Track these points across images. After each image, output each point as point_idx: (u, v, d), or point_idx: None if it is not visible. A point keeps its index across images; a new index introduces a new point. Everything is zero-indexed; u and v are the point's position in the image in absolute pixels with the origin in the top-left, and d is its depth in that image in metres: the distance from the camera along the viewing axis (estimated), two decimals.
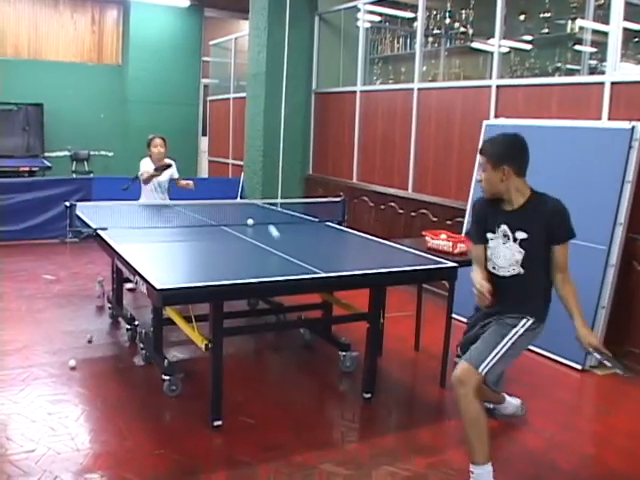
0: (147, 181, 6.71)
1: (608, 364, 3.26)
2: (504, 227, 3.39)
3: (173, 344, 5.13)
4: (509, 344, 3.34)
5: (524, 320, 3.38)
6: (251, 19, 9.38)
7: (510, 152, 3.36)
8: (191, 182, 6.96)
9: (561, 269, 3.35)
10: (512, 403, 4.12)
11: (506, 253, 3.40)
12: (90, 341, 5.18)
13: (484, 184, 3.43)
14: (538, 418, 4.18)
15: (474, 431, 3.23)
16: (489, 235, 3.47)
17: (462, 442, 3.84)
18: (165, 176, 6.77)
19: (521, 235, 3.34)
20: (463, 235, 3.72)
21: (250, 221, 5.46)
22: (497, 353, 3.31)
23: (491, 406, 4.03)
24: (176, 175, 6.92)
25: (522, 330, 3.37)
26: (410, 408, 4.49)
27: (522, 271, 3.37)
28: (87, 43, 13.57)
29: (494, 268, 3.47)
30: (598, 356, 3.25)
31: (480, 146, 3.48)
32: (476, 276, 3.45)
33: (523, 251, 3.34)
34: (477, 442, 3.23)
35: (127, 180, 7.08)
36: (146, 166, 6.76)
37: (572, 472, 3.59)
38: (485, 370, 3.26)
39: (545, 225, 3.29)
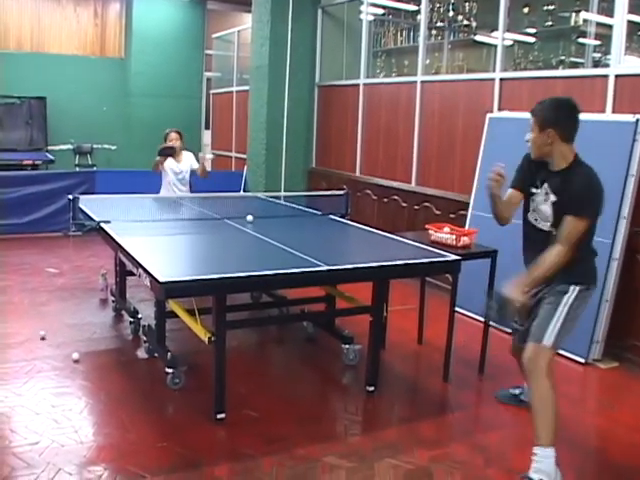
0: (156, 169, 6.84)
1: (493, 315, 3.51)
2: (546, 185, 3.52)
3: (176, 337, 5.13)
4: (565, 312, 3.43)
5: (572, 287, 3.46)
6: (254, 12, 9.36)
7: (557, 116, 3.42)
8: (202, 168, 6.99)
9: (559, 239, 3.39)
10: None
11: (545, 209, 3.52)
12: (43, 338, 5.09)
13: (531, 144, 3.52)
14: None
15: (542, 410, 3.24)
16: (533, 189, 3.58)
17: (465, 435, 3.86)
18: (185, 166, 6.90)
19: (553, 198, 3.48)
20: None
21: (250, 217, 5.36)
22: (556, 322, 3.40)
23: (517, 391, 4.19)
24: (195, 165, 7.02)
25: (573, 296, 3.46)
26: (413, 401, 4.49)
27: (554, 231, 3.46)
28: (90, 36, 13.55)
29: (536, 220, 3.59)
30: (494, 307, 3.44)
31: (533, 108, 3.53)
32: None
33: (553, 213, 3.47)
34: (543, 422, 3.23)
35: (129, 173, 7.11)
36: (166, 160, 6.90)
37: (576, 465, 3.58)
38: (550, 340, 3.35)
39: (568, 194, 3.37)
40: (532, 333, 3.45)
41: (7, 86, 12.18)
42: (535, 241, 3.59)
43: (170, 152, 6.81)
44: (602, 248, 4.97)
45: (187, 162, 6.97)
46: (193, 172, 6.97)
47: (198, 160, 7.08)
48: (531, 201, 3.62)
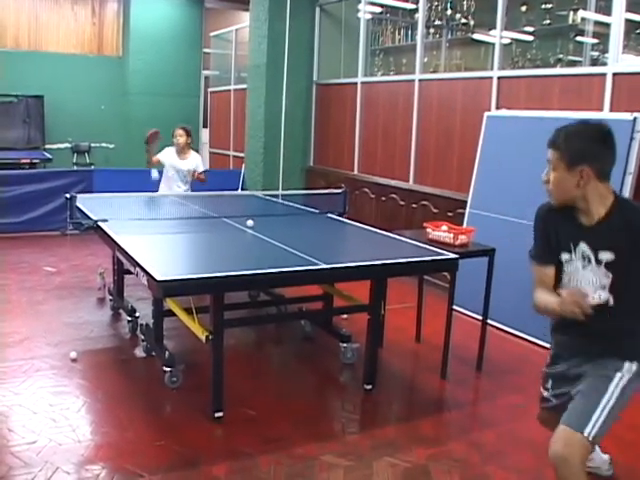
0: (149, 165, 6.90)
1: None
2: (583, 246, 2.65)
3: (174, 336, 5.13)
4: (614, 397, 2.62)
5: (627, 364, 2.64)
6: (252, 10, 9.35)
7: (593, 148, 2.58)
8: (202, 175, 6.98)
9: None
10: (600, 456, 3.44)
11: (589, 278, 2.66)
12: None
13: (552, 187, 2.65)
14: None
15: None
16: (564, 256, 2.71)
17: (463, 433, 3.86)
18: (186, 165, 6.88)
19: (606, 256, 2.60)
20: (529, 257, 2.81)
21: (250, 222, 5.17)
22: (603, 410, 2.60)
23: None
24: (200, 169, 6.99)
25: (627, 378, 2.64)
26: (411, 399, 4.49)
27: (612, 301, 2.63)
28: (87, 35, 13.53)
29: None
30: None
31: (551, 137, 2.70)
32: (552, 299, 2.65)
33: (611, 275, 2.61)
34: None
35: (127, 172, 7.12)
36: (164, 154, 6.94)
37: None
38: (592, 433, 2.53)
39: (632, 237, 2.55)
40: (570, 416, 2.62)
41: (5, 84, 12.17)
42: (588, 325, 2.58)
43: (152, 139, 6.82)
44: None
45: (191, 162, 6.92)
46: (193, 174, 6.95)
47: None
48: (561, 273, 2.75)
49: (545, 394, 2.99)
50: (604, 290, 2.64)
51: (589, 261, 2.65)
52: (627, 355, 2.67)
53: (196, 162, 6.97)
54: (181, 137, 6.86)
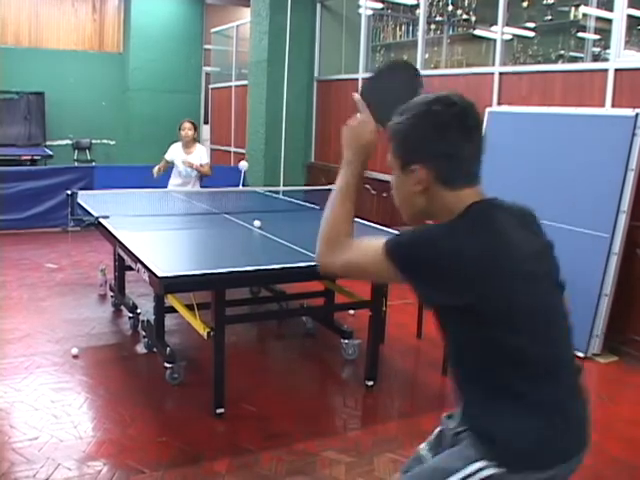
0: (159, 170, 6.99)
1: None
2: None
3: (175, 332, 5.13)
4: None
5: (477, 464, 1.70)
6: (252, 6, 9.33)
7: (429, 135, 1.74)
8: (204, 168, 7.05)
9: None
10: None
11: None
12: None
13: (394, 196, 1.96)
14: None
15: None
16: None
17: None
18: (193, 159, 6.94)
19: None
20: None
21: (257, 222, 5.05)
22: None
23: None
24: (205, 160, 7.05)
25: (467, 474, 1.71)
26: (412, 395, 4.49)
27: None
28: (88, 31, 13.52)
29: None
30: None
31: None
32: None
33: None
34: None
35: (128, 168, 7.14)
36: (171, 152, 7.04)
37: None
38: None
39: None
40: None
41: (5, 81, 12.16)
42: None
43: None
44: (601, 242, 5.00)
45: (197, 155, 6.98)
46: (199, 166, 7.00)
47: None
48: None
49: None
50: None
51: None
52: (484, 445, 1.70)
53: (201, 154, 7.04)
54: (189, 130, 6.95)
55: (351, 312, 5.50)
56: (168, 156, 7.02)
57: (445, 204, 1.75)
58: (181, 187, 6.90)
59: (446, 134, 1.71)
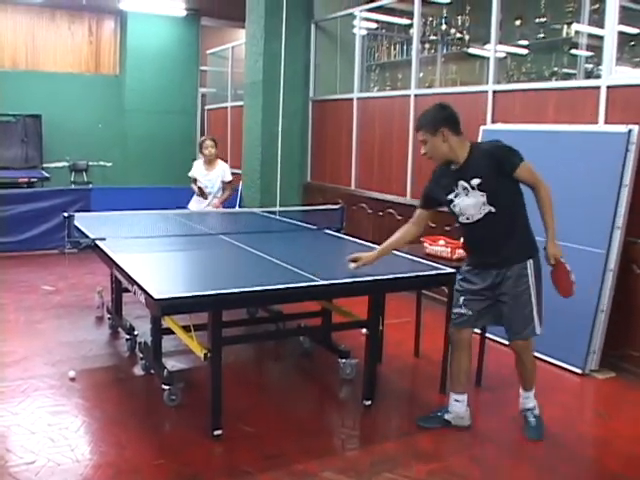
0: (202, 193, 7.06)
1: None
2: (461, 182, 3.77)
3: (172, 354, 5.12)
4: (534, 293, 3.79)
5: (528, 263, 3.78)
6: (247, 28, 9.40)
7: (442, 116, 3.80)
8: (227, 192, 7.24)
9: (532, 185, 3.75)
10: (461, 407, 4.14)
11: (471, 201, 3.76)
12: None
13: (430, 152, 3.83)
14: None
15: (534, 369, 4.05)
16: (451, 196, 3.84)
17: (463, 448, 3.86)
18: (213, 176, 7.08)
19: (476, 181, 3.71)
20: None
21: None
22: (535, 309, 3.80)
23: (439, 413, 4.16)
24: (228, 178, 7.15)
25: (533, 273, 3.78)
26: (410, 415, 4.46)
27: (493, 209, 3.73)
28: (84, 54, 13.58)
29: (467, 219, 3.83)
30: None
31: (415, 125, 3.94)
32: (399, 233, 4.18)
33: (484, 192, 3.71)
34: (534, 375, 4.04)
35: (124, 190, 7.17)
36: (196, 167, 7.17)
37: (573, 476, 3.58)
38: (540, 329, 3.85)
39: (491, 165, 3.69)
40: (517, 330, 3.85)
41: (2, 104, 12.19)
42: (481, 233, 3.84)
43: (205, 197, 7.02)
44: (597, 258, 5.01)
45: (217, 173, 7.07)
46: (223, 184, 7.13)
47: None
48: (453, 207, 3.87)
49: (462, 311, 3.96)
50: (485, 205, 3.72)
51: (468, 190, 3.75)
52: (523, 255, 3.79)
53: (223, 171, 7.13)
54: (212, 148, 7.03)
55: (363, 331, 5.47)
56: (191, 173, 7.14)
57: (457, 144, 3.79)
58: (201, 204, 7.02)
59: (452, 113, 3.84)
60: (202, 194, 6.98)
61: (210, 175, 7.00)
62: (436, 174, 4.00)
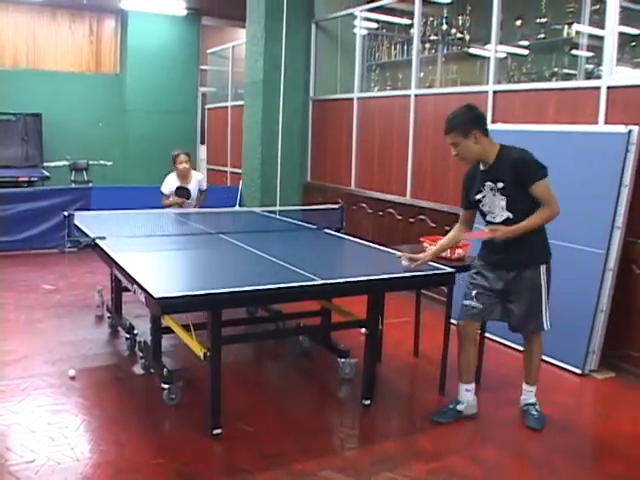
0: (167, 206, 6.92)
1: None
2: (488, 183, 3.90)
3: (172, 353, 5.12)
4: (545, 293, 3.95)
5: (541, 267, 3.94)
6: (248, 28, 9.40)
7: (471, 117, 3.87)
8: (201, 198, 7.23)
9: (543, 203, 3.81)
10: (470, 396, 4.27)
11: (494, 201, 3.91)
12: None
13: (462, 154, 3.90)
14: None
15: (539, 362, 4.26)
16: (478, 196, 3.99)
17: (463, 447, 3.86)
18: (191, 188, 7.02)
19: (499, 185, 3.84)
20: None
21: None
22: (544, 306, 3.97)
23: (451, 406, 4.26)
24: (204, 187, 7.21)
25: (544, 276, 3.94)
26: (410, 414, 4.48)
27: (511, 215, 3.86)
28: (85, 53, 13.61)
29: (494, 218, 3.96)
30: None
31: (445, 128, 3.91)
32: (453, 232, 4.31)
33: (504, 197, 3.85)
34: (539, 369, 4.24)
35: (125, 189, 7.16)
36: (170, 182, 7.04)
37: (573, 476, 3.58)
38: (548, 324, 4.01)
39: (513, 173, 3.78)
40: (528, 326, 4.06)
41: (3, 103, 12.22)
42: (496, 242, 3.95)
43: (187, 195, 6.94)
44: (596, 258, 5.01)
45: (194, 184, 7.06)
46: (201, 193, 7.14)
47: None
48: (482, 206, 4.02)
49: (472, 303, 4.06)
50: (503, 210, 3.87)
51: (494, 190, 3.87)
52: (536, 260, 3.94)
53: (198, 180, 7.14)
54: (186, 163, 6.98)
55: (362, 331, 5.48)
56: (166, 189, 7.00)
57: (487, 145, 3.87)
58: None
59: (481, 114, 3.95)
60: (179, 205, 6.91)
61: (187, 187, 6.98)
62: (468, 175, 4.10)
